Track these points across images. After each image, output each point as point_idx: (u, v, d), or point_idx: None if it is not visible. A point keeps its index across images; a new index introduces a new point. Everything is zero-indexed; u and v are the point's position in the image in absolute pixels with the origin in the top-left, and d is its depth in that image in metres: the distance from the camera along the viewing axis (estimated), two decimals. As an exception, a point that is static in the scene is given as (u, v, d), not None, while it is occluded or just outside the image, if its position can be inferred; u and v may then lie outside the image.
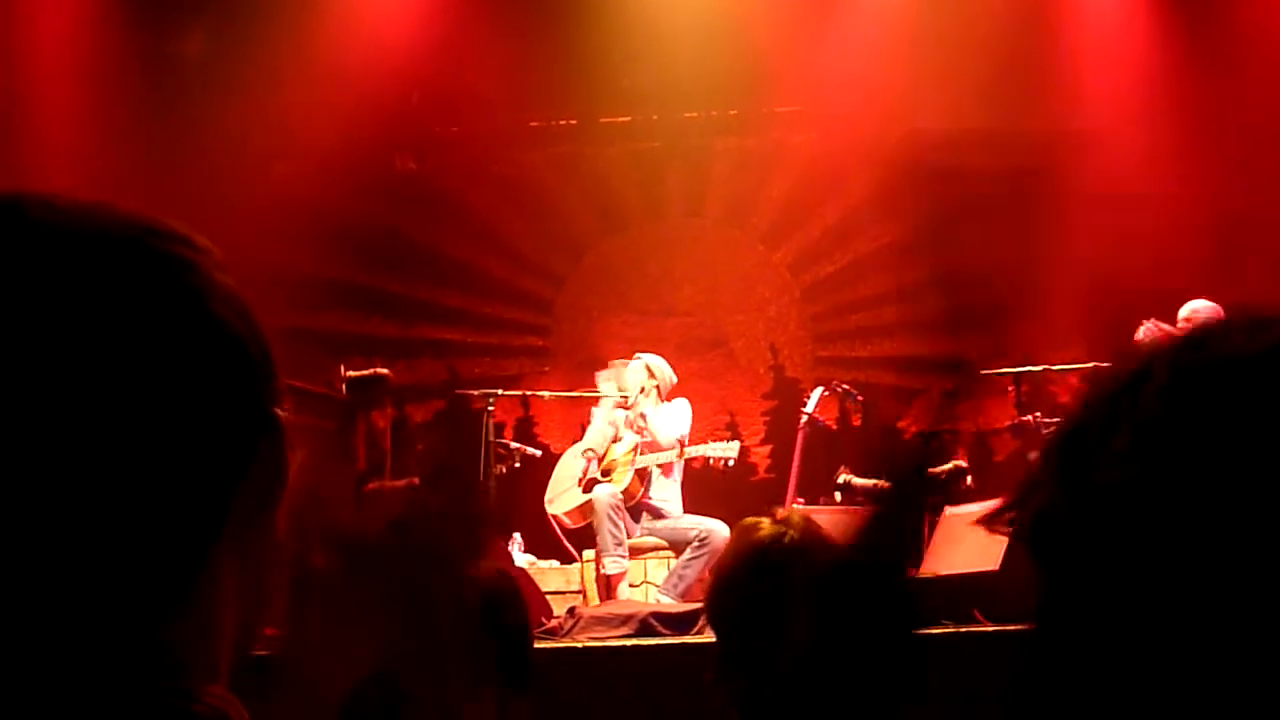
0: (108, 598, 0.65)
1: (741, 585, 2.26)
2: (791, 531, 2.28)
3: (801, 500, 6.19)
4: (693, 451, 6.33)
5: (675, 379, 6.53)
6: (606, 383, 6.52)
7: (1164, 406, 0.66)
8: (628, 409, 6.37)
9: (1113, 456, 0.66)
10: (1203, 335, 0.69)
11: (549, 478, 6.63)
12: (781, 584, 2.20)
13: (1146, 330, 6.01)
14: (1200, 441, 0.64)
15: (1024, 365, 6.52)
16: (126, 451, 0.65)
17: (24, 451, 0.63)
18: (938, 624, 4.64)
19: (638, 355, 6.64)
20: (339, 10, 7.59)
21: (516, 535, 6.53)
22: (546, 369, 8.40)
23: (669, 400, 6.47)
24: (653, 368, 6.46)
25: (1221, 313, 5.80)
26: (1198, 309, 5.80)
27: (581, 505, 6.25)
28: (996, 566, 4.64)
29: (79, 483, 0.64)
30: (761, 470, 8.11)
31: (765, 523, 2.33)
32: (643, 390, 6.38)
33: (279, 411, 0.73)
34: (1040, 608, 0.70)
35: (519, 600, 2.34)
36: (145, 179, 7.36)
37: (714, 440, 6.47)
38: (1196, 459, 0.64)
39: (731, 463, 6.40)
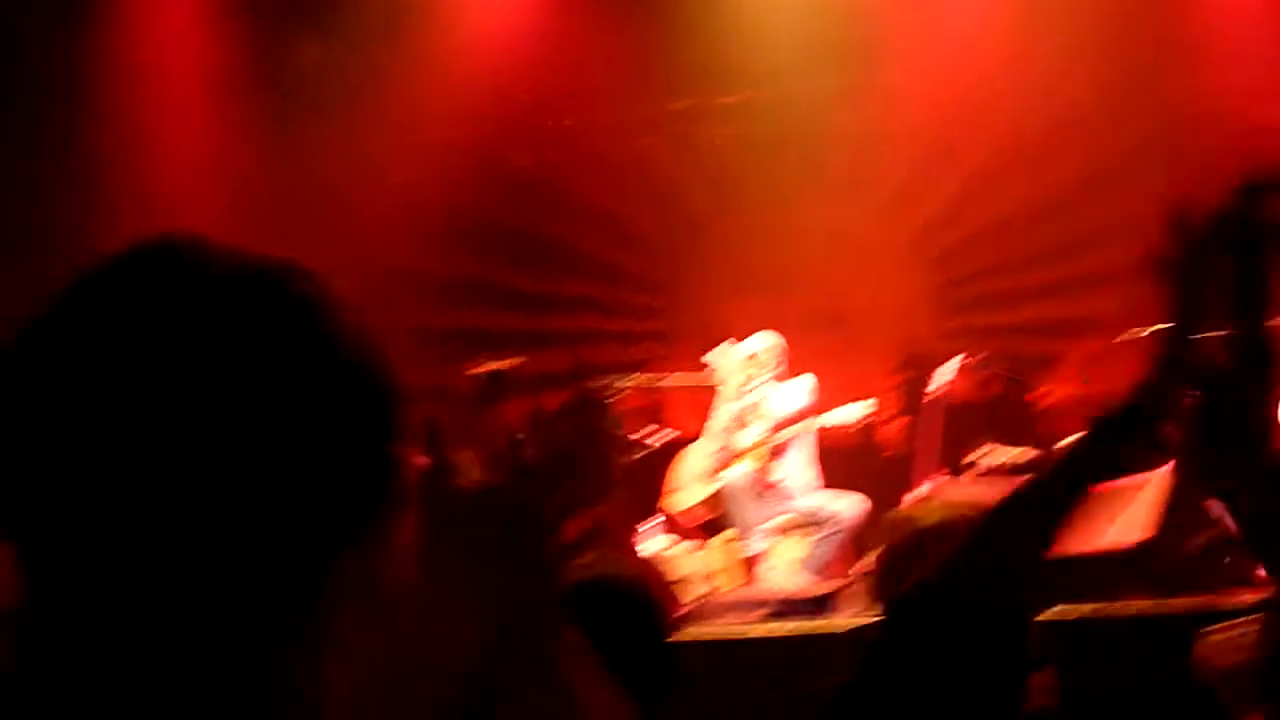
0: (229, 620, 0.67)
1: (904, 566, 2.26)
2: (940, 513, 2.27)
3: (940, 475, 6.06)
4: (820, 421, 6.25)
5: (786, 353, 6.42)
6: (718, 370, 6.46)
7: None
8: (744, 395, 6.31)
9: None
10: None
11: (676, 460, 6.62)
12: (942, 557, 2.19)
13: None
14: None
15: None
16: (255, 487, 0.68)
17: (159, 480, 0.66)
18: (1113, 597, 4.47)
19: (752, 336, 6.56)
20: (449, 12, 7.68)
21: (650, 520, 6.54)
22: (670, 352, 8.38)
23: (789, 379, 6.39)
24: (760, 350, 6.37)
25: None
26: None
27: (707, 499, 6.22)
28: (1142, 538, 4.46)
29: (205, 511, 0.67)
30: (895, 446, 7.94)
31: (925, 510, 2.34)
32: (756, 371, 6.30)
33: (401, 451, 0.76)
34: None
35: (655, 611, 2.30)
36: (271, 188, 7.59)
37: (839, 405, 6.35)
38: None
39: (864, 423, 6.31)
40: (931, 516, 2.25)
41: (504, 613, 0.98)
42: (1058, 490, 1.31)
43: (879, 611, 2.40)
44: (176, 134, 7.58)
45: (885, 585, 2.28)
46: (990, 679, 1.50)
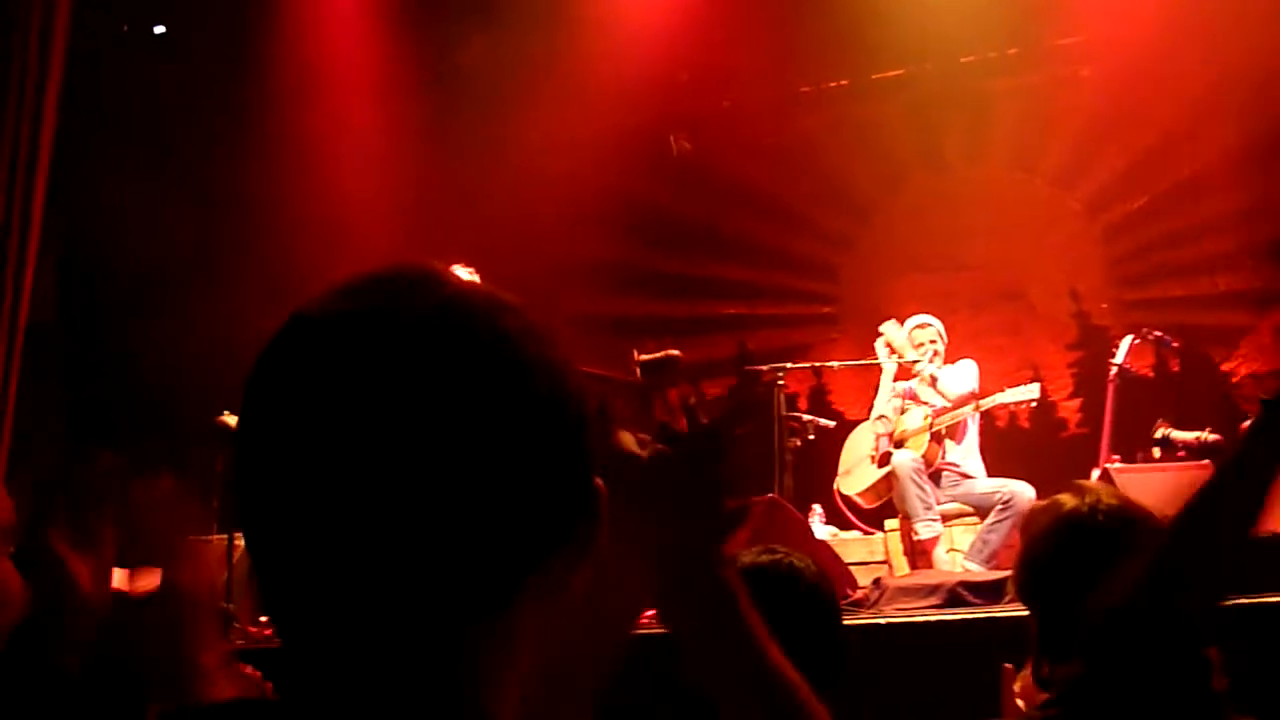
0: (439, 634, 0.75)
1: (1050, 558, 2.18)
2: (1104, 501, 2.18)
3: (1117, 458, 5.85)
4: (989, 403, 6.10)
5: (946, 334, 6.28)
6: (884, 350, 6.36)
7: None
8: (911, 377, 6.20)
9: None
10: None
11: (844, 443, 6.56)
12: (1096, 557, 2.10)
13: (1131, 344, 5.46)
14: None
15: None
16: (469, 509, 0.74)
17: (385, 509, 0.73)
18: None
19: (910, 319, 6.43)
20: (602, 2, 7.74)
21: (817, 507, 6.51)
22: (836, 335, 8.31)
23: (953, 360, 6.26)
24: (918, 332, 6.24)
25: None
26: None
27: (875, 484, 6.15)
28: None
29: (424, 532, 0.74)
30: (1072, 425, 7.72)
31: (1066, 496, 2.24)
32: (922, 352, 6.18)
33: (598, 480, 0.81)
34: None
35: (827, 596, 2.31)
36: (438, 182, 7.82)
37: (1009, 387, 6.19)
38: None
39: (1034, 404, 6.14)
40: (1066, 507, 2.17)
41: (681, 565, 1.04)
42: (1242, 489, 1.25)
43: (1020, 607, 2.33)
44: (347, 134, 7.88)
45: (1025, 582, 2.21)
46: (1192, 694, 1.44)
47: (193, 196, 7.52)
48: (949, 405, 6.04)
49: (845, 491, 6.36)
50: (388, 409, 0.73)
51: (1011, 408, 6.74)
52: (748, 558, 2.31)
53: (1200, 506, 1.29)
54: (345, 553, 0.73)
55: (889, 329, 6.33)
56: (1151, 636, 1.30)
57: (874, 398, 6.57)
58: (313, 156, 7.68)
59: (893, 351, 6.25)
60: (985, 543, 5.61)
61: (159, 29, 8.04)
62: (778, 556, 2.31)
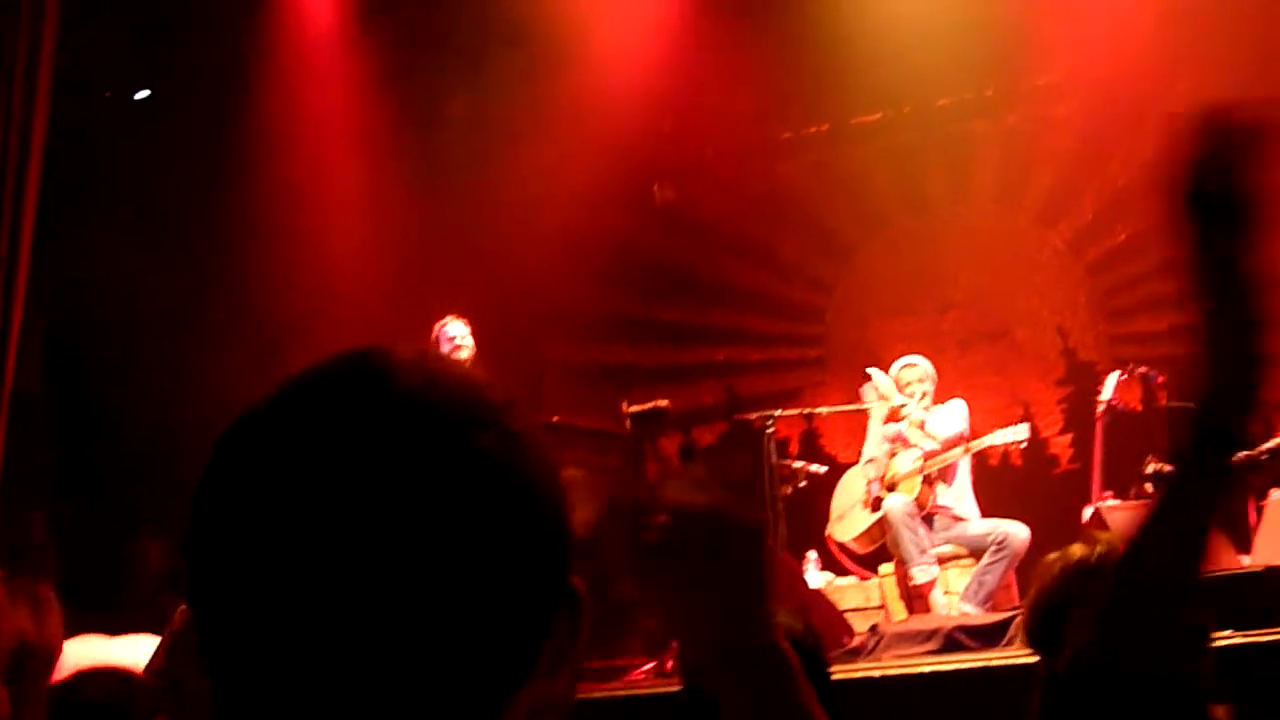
0: None
1: (1059, 606, 2.21)
2: (1112, 549, 2.20)
3: (1109, 494, 5.85)
4: (978, 445, 6.09)
5: (935, 375, 6.28)
6: (871, 395, 6.35)
7: None
8: (900, 420, 6.20)
9: None
10: None
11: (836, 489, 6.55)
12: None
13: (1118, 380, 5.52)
14: None
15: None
16: (444, 624, 0.71)
17: (349, 614, 0.70)
18: (1274, 622, 4.27)
19: (898, 361, 6.43)
20: (588, 51, 7.81)
21: (812, 554, 6.49)
22: (825, 378, 8.32)
23: (944, 400, 6.26)
24: (906, 374, 6.24)
25: None
26: None
27: (868, 529, 6.13)
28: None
29: (393, 645, 0.70)
30: (1064, 462, 7.73)
31: (1077, 546, 2.27)
32: (910, 395, 6.18)
33: (577, 583, 0.78)
34: None
35: (816, 656, 2.30)
36: (428, 235, 7.85)
37: (999, 428, 6.18)
38: None
39: (1024, 445, 6.14)
40: (1076, 556, 2.18)
41: (724, 631, 0.96)
42: (1179, 522, 1.21)
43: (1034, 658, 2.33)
44: (333, 188, 7.92)
45: (1035, 631, 2.22)
46: None
47: (181, 258, 7.53)
48: (939, 448, 6.03)
49: (838, 538, 6.33)
50: (347, 530, 0.70)
51: (1004, 447, 6.74)
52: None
53: (1137, 551, 1.24)
54: (310, 671, 0.70)
55: (875, 374, 6.34)
56: (1109, 695, 1.27)
57: (865, 441, 6.56)
58: (299, 212, 7.72)
59: (880, 396, 6.25)
60: (981, 584, 5.59)
61: (142, 94, 8.08)
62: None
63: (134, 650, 3.30)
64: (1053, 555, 2.30)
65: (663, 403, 6.35)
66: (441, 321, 6.23)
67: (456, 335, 6.13)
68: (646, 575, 0.92)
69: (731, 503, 0.93)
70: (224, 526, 0.73)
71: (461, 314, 6.37)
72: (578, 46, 7.77)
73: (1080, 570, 2.13)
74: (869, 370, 6.40)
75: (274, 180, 7.63)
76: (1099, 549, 2.15)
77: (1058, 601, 2.15)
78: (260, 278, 7.52)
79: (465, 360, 6.05)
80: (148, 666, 3.14)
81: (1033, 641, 2.22)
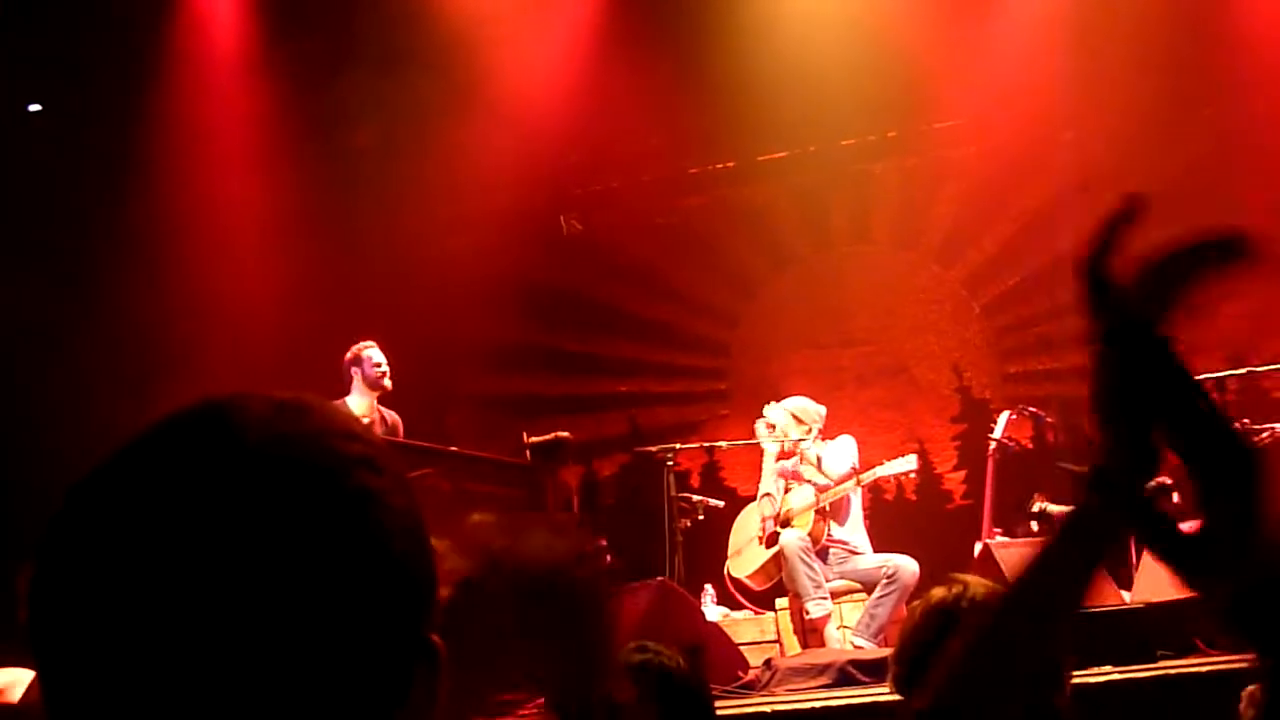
0: None
1: (925, 650, 2.21)
2: (972, 590, 2.22)
3: (999, 531, 5.98)
4: (869, 476, 6.18)
5: (824, 413, 6.37)
6: (764, 432, 6.43)
7: None
8: (790, 456, 6.28)
9: None
10: None
11: (734, 524, 6.60)
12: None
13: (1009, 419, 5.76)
14: None
15: (1229, 366, 6.13)
16: (286, 685, 0.69)
17: (195, 669, 0.67)
18: (1152, 657, 4.41)
19: (785, 401, 6.51)
20: (497, 82, 7.81)
21: (709, 587, 6.52)
22: (727, 412, 8.39)
23: (834, 437, 6.36)
24: (798, 412, 6.33)
25: None
26: None
27: (764, 565, 6.18)
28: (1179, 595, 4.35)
29: (240, 705, 0.68)
30: (957, 498, 7.88)
31: (938, 589, 2.29)
32: (800, 432, 6.26)
33: (435, 637, 0.76)
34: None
35: (699, 695, 2.32)
36: (331, 265, 7.75)
37: (888, 460, 6.28)
38: None
39: (913, 475, 6.26)
40: (935, 598, 2.20)
41: (570, 686, 0.98)
42: (1068, 564, 1.22)
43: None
44: (236, 217, 7.78)
45: (899, 674, 2.24)
46: None
47: (68, 282, 7.31)
48: (831, 483, 6.12)
49: (735, 574, 6.37)
50: (188, 590, 0.68)
51: (897, 480, 6.85)
52: (623, 656, 2.32)
53: (1020, 595, 1.25)
54: None
55: (770, 410, 6.42)
56: None
57: (760, 477, 6.63)
58: (196, 238, 7.56)
59: (777, 431, 6.32)
60: (873, 617, 5.67)
61: (34, 107, 7.84)
62: (648, 655, 2.32)
63: (14, 681, 3.21)
64: (916, 602, 2.33)
65: (563, 434, 6.35)
66: (363, 344, 6.19)
67: (383, 362, 6.12)
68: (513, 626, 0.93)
69: (569, 560, 0.95)
70: (62, 580, 0.71)
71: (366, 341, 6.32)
72: (488, 77, 7.78)
73: (940, 612, 2.16)
74: (765, 409, 6.47)
75: (170, 205, 7.47)
76: (956, 589, 2.18)
77: (920, 642, 2.18)
78: (154, 304, 7.32)
79: (387, 387, 6.09)
80: (23, 697, 3.05)
81: (897, 684, 2.24)
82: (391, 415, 6.04)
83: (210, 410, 0.74)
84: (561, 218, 8.62)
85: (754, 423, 7.47)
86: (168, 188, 7.44)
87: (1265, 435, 5.37)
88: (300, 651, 0.69)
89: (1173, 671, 4.29)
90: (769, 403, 6.60)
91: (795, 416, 6.33)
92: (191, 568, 0.68)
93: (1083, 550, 1.18)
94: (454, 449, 6.54)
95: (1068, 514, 1.19)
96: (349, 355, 6.16)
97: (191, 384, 0.81)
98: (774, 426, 6.34)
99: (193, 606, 0.68)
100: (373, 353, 6.15)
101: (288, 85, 7.74)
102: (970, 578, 2.38)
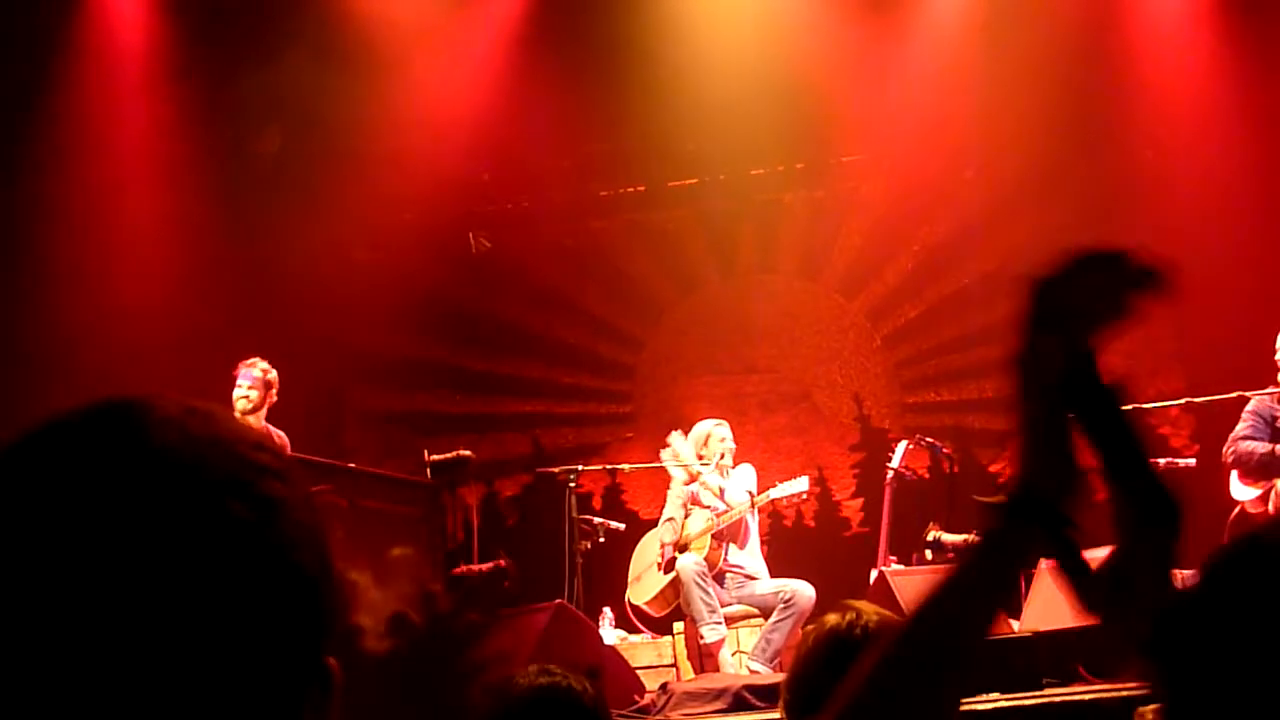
0: None
1: (816, 677, 2.22)
2: (865, 618, 2.23)
3: (894, 559, 6.07)
4: (763, 499, 6.23)
5: (728, 440, 6.41)
6: (670, 457, 6.46)
7: None
8: (691, 482, 6.32)
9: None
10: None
11: (635, 549, 6.60)
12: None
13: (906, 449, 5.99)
14: None
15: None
16: (177, 694, 0.66)
17: (92, 680, 0.64)
18: (1038, 685, 4.51)
19: (699, 424, 6.56)
20: (408, 97, 7.76)
21: (607, 610, 6.51)
22: (631, 435, 8.41)
23: (737, 463, 6.41)
24: (704, 436, 6.38)
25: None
26: None
27: (663, 590, 6.19)
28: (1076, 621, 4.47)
29: (130, 709, 0.65)
30: (855, 525, 7.99)
31: (832, 615, 2.29)
32: (704, 458, 6.30)
33: (331, 661, 0.74)
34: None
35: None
36: (230, 274, 7.59)
37: (781, 482, 6.33)
38: None
39: (804, 497, 6.34)
40: (829, 624, 2.21)
41: None
42: (978, 588, 1.21)
43: None
44: (131, 217, 7.58)
45: (790, 700, 2.24)
46: None
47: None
48: (728, 507, 6.15)
49: (634, 600, 6.37)
50: (73, 594, 0.65)
51: (796, 506, 6.92)
52: (525, 679, 2.29)
53: (929, 616, 1.23)
54: None
55: (674, 439, 6.44)
56: None
57: (665, 502, 6.65)
58: (93, 240, 7.35)
59: (681, 457, 6.35)
60: (768, 642, 5.70)
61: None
62: (555, 679, 2.30)
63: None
64: (809, 626, 2.33)
65: (465, 452, 6.29)
66: (248, 362, 6.01)
67: (248, 378, 5.91)
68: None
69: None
70: None
71: (266, 355, 6.16)
72: (400, 89, 7.72)
73: (833, 638, 2.17)
74: (670, 437, 6.50)
75: (67, 204, 7.26)
76: (850, 616, 2.20)
77: (812, 669, 2.18)
78: (43, 306, 7.08)
79: (252, 405, 5.87)
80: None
81: (788, 710, 2.23)
82: (279, 434, 5.82)
83: (115, 407, 0.71)
84: (470, 235, 8.57)
85: (657, 446, 7.50)
86: (65, 186, 7.23)
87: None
88: (191, 661, 0.66)
89: (1058, 699, 4.39)
90: (673, 428, 6.63)
91: (699, 441, 6.37)
92: (79, 567, 0.65)
93: (996, 571, 1.18)
94: (351, 465, 6.45)
95: (984, 534, 1.19)
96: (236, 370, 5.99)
97: (78, 390, 0.77)
98: (678, 454, 6.36)
99: (79, 608, 0.65)
100: (241, 370, 5.94)
101: (193, 87, 7.58)
102: (864, 604, 2.40)
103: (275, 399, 5.98)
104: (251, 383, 5.88)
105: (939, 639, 1.21)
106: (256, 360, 6.00)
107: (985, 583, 1.19)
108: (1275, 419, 5.61)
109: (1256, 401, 5.64)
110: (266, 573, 0.69)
